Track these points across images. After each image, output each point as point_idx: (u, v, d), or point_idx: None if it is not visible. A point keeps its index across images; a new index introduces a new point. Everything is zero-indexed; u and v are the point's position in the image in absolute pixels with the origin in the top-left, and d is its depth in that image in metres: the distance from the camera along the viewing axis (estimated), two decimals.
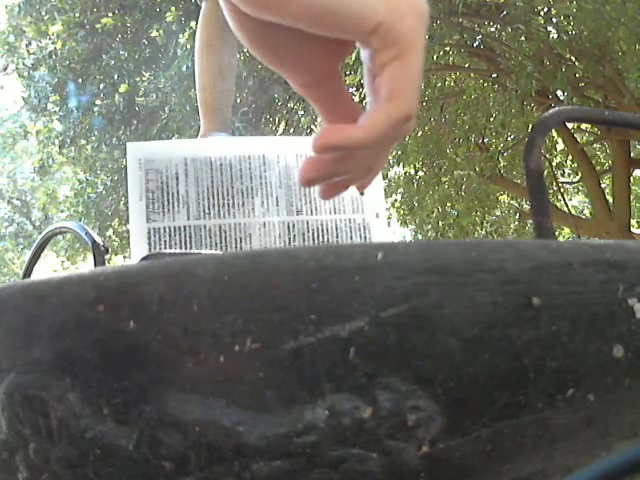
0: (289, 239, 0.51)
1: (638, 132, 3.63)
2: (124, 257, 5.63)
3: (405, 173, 5.88)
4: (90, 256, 0.42)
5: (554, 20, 4.50)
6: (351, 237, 0.51)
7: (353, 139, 0.30)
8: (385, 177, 5.39)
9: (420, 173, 5.78)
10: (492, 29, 4.83)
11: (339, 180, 0.35)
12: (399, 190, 5.95)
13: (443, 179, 5.51)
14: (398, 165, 5.51)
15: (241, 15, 0.31)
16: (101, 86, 5.31)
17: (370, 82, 0.32)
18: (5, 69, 5.73)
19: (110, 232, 5.63)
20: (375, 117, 0.30)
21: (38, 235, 0.48)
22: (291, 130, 5.25)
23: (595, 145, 6.12)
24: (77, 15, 5.13)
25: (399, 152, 5.13)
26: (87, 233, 0.43)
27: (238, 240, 0.50)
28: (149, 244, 0.49)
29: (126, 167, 0.51)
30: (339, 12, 0.29)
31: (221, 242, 0.50)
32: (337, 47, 0.33)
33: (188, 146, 0.52)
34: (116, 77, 5.21)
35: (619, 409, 0.22)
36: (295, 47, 0.32)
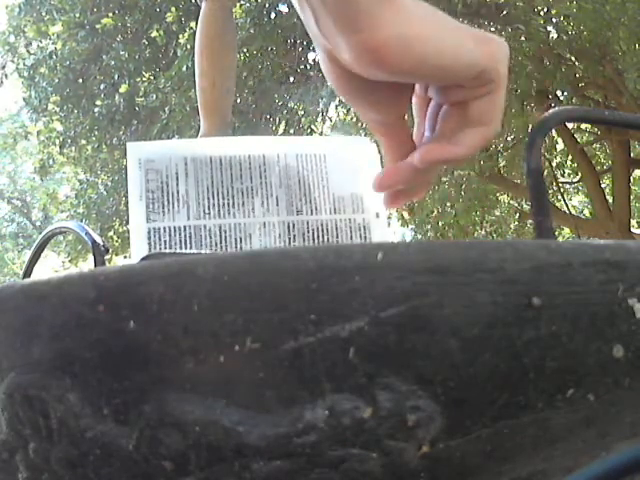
0: (289, 239, 0.51)
1: (638, 132, 3.63)
2: (125, 257, 5.63)
3: None
4: (91, 257, 0.42)
5: (554, 20, 4.50)
6: (351, 237, 0.51)
7: (455, 155, 0.37)
8: None
9: None
10: (492, 29, 4.83)
11: (405, 190, 0.40)
12: None
13: (443, 179, 5.50)
14: None
15: (341, 70, 0.35)
16: (101, 86, 5.30)
17: (434, 112, 0.39)
18: (3, 67, 5.71)
19: (111, 233, 5.63)
20: (472, 137, 0.37)
21: (38, 235, 0.48)
22: (291, 130, 5.25)
23: (595, 145, 6.12)
24: (77, 15, 5.12)
25: None
26: (87, 233, 0.43)
27: (238, 240, 0.50)
28: (149, 244, 0.49)
29: (126, 167, 0.51)
30: (449, 65, 0.34)
31: (221, 242, 0.50)
32: (406, 93, 0.38)
33: (188, 146, 0.52)
34: (116, 77, 5.20)
35: (619, 409, 0.22)
36: (377, 94, 0.37)
